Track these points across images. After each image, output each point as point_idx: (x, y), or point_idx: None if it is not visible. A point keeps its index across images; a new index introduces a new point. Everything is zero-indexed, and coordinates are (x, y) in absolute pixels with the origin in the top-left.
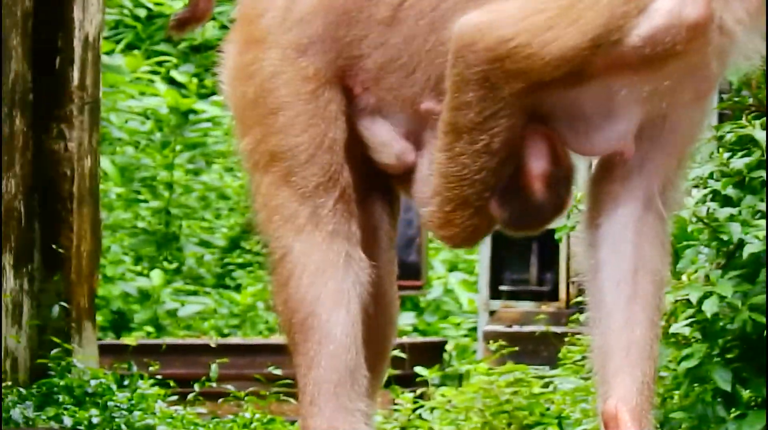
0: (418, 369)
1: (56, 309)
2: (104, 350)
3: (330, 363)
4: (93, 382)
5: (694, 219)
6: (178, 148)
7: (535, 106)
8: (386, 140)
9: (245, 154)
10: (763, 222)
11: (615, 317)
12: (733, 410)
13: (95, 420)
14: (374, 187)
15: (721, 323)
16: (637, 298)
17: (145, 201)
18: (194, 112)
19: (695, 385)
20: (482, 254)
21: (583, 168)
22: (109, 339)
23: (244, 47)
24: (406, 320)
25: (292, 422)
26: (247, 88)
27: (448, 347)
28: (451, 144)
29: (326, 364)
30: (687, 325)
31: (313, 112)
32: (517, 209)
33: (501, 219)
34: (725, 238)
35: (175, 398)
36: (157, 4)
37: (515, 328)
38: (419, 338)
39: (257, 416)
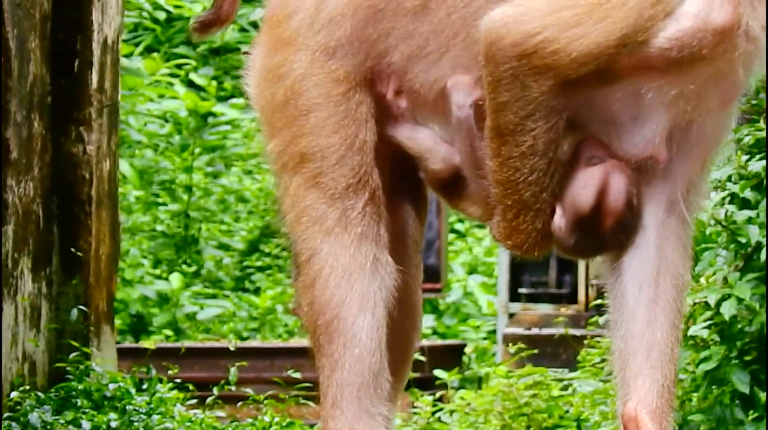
0: (438, 372)
1: (75, 313)
2: (123, 354)
3: (354, 366)
4: (111, 386)
5: (712, 222)
6: (197, 151)
7: (568, 108)
8: (430, 146)
9: (273, 156)
10: None
11: (636, 319)
12: (751, 412)
13: (114, 424)
14: (402, 190)
15: (739, 326)
16: (658, 301)
17: (164, 204)
18: (213, 115)
19: (713, 387)
20: (501, 256)
21: None
22: (128, 342)
23: (272, 49)
24: (425, 322)
25: (312, 426)
26: (276, 89)
27: (468, 349)
28: (498, 149)
29: (350, 367)
30: (705, 327)
31: (344, 114)
32: (582, 238)
33: (564, 243)
34: (743, 240)
35: (194, 401)
36: (176, 6)
37: (534, 331)
38: (438, 341)
39: (276, 419)
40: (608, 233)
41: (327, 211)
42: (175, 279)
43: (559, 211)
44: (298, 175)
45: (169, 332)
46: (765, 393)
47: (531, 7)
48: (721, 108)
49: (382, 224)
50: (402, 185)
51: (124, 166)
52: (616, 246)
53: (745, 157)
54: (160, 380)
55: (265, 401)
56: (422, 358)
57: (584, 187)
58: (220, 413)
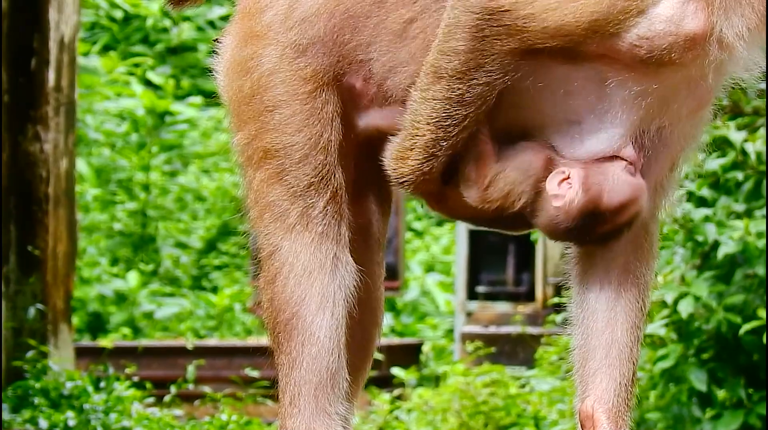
0: (395, 370)
1: (32, 311)
2: (80, 352)
3: (312, 365)
4: (69, 384)
5: (669, 220)
6: (154, 149)
7: (521, 72)
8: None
9: (239, 149)
10: (737, 223)
11: (597, 317)
12: (709, 409)
13: (71, 422)
14: (366, 188)
15: (696, 324)
16: (620, 299)
17: (122, 203)
18: (170, 113)
19: (671, 385)
20: (459, 255)
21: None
22: (86, 341)
23: (242, 41)
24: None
25: (269, 424)
26: (243, 82)
27: (425, 348)
28: (428, 85)
29: (308, 365)
30: (663, 325)
31: (310, 113)
32: (581, 226)
33: (558, 218)
34: (700, 239)
35: (151, 400)
36: (133, 5)
37: (492, 329)
38: (396, 340)
39: (234, 417)
40: (606, 231)
41: (289, 208)
42: (133, 278)
43: (578, 189)
44: (262, 170)
45: (126, 331)
46: (722, 391)
47: None
48: (691, 115)
49: (343, 223)
50: (366, 183)
51: (81, 164)
52: (599, 242)
53: (701, 156)
54: (118, 379)
55: (223, 400)
56: (380, 356)
57: (618, 189)
58: (178, 412)
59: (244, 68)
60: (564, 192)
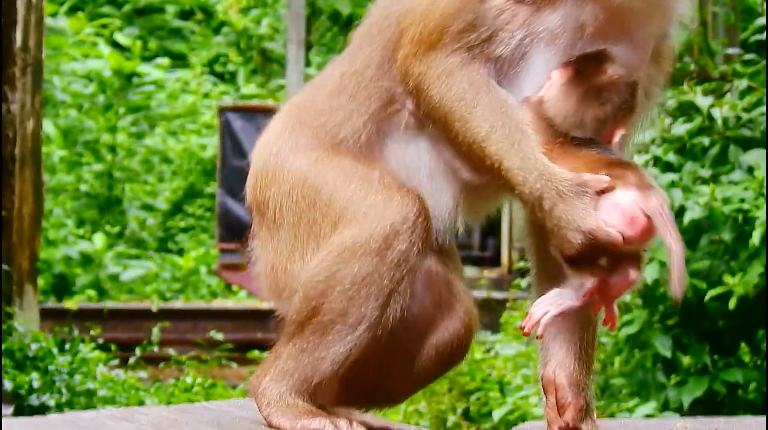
0: None
1: None
2: (45, 314)
3: (327, 362)
4: (34, 346)
5: None
6: (121, 111)
7: None
8: None
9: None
10: (703, 188)
11: (553, 285)
12: (674, 376)
13: (36, 384)
14: None
15: (661, 290)
16: None
17: (88, 164)
18: (137, 75)
19: (635, 351)
20: None
21: None
22: (51, 303)
23: None
24: None
25: (233, 387)
26: None
27: None
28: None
29: (324, 358)
30: None
31: None
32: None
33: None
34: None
35: (116, 362)
36: None
37: None
38: None
39: (198, 380)
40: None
41: None
42: (99, 239)
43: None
44: None
45: (91, 293)
46: (687, 357)
47: None
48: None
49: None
50: None
51: (47, 125)
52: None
53: (668, 121)
54: (83, 341)
55: (188, 362)
56: None
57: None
58: (143, 374)
59: None
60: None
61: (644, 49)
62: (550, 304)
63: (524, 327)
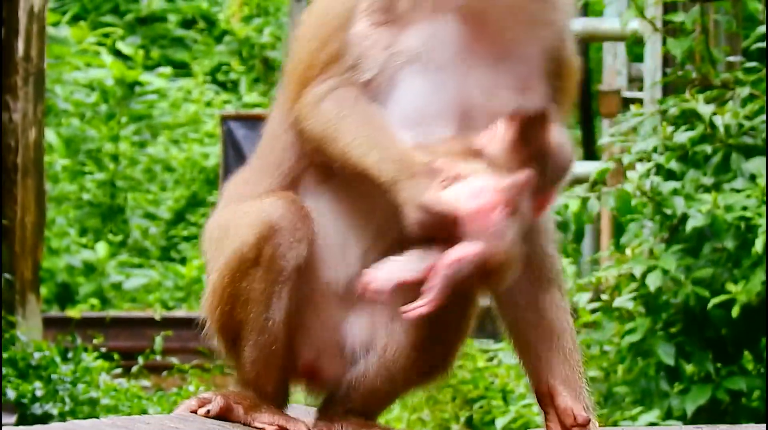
0: None
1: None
2: (48, 323)
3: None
4: (37, 354)
5: (638, 193)
6: (123, 120)
7: None
8: None
9: None
10: (706, 196)
11: (518, 304)
12: (677, 384)
13: (39, 393)
14: None
15: (664, 297)
16: (535, 283)
17: (90, 173)
18: (140, 83)
19: (638, 359)
20: None
21: None
22: (54, 312)
23: None
24: None
25: None
26: None
27: None
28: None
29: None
30: (631, 299)
31: None
32: None
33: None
34: (669, 212)
35: (119, 371)
36: None
37: None
38: None
39: (201, 389)
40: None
41: None
42: (101, 248)
43: None
44: None
45: (94, 302)
46: (690, 365)
47: None
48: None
49: None
50: None
51: (50, 134)
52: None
53: (670, 129)
54: (86, 349)
55: (191, 371)
56: None
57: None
58: (145, 383)
59: None
60: None
61: (532, 64)
62: (400, 270)
63: (365, 289)
